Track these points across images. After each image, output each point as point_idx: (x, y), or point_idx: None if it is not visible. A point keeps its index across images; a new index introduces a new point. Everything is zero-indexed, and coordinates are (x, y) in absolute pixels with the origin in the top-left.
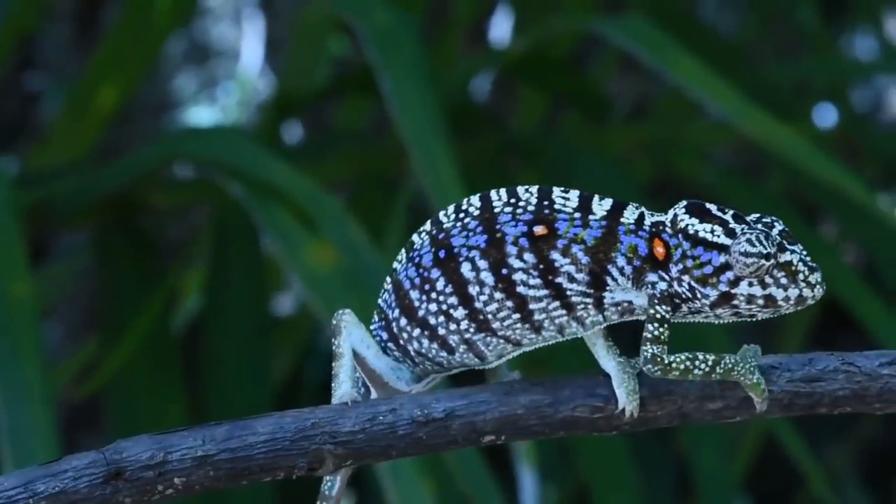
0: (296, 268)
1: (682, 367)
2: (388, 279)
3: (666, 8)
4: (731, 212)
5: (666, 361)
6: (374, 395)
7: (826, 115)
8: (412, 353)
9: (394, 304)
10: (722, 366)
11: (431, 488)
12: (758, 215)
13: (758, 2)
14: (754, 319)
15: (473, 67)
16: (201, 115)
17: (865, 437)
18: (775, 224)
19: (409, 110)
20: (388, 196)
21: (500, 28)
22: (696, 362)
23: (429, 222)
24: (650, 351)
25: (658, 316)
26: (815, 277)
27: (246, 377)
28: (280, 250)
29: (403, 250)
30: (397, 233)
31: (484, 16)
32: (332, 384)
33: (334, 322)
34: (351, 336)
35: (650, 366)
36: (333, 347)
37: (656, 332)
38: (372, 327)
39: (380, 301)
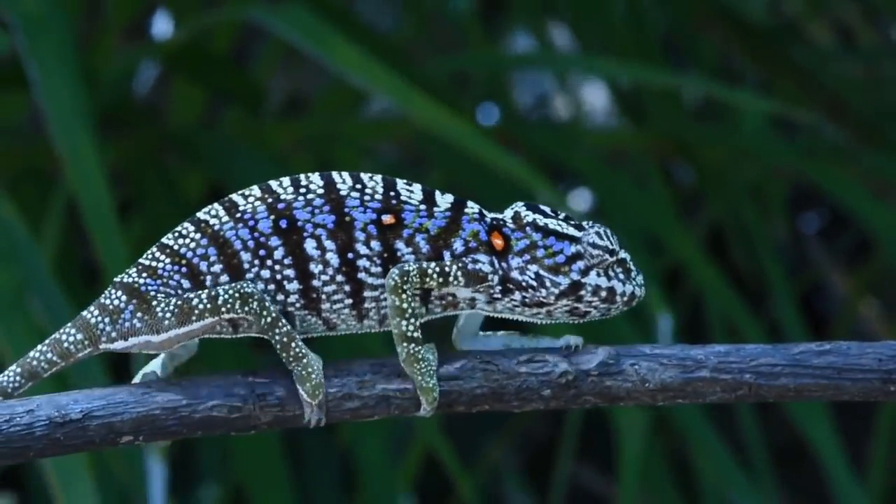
0: None
1: (403, 305)
2: (191, 227)
3: (324, 3)
4: (563, 213)
5: (404, 288)
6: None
7: (489, 115)
8: None
9: (214, 259)
10: (405, 347)
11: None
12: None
13: (414, 1)
14: (583, 321)
15: (130, 61)
16: None
17: (522, 430)
18: (602, 227)
19: (55, 101)
20: (45, 193)
21: (165, 24)
22: (408, 317)
23: (256, 187)
24: (413, 270)
25: (447, 270)
26: (641, 279)
27: None
28: None
29: (219, 206)
30: (55, 229)
31: (148, 12)
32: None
33: (257, 295)
34: None
35: (395, 274)
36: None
37: (431, 272)
38: (148, 269)
39: (175, 245)
